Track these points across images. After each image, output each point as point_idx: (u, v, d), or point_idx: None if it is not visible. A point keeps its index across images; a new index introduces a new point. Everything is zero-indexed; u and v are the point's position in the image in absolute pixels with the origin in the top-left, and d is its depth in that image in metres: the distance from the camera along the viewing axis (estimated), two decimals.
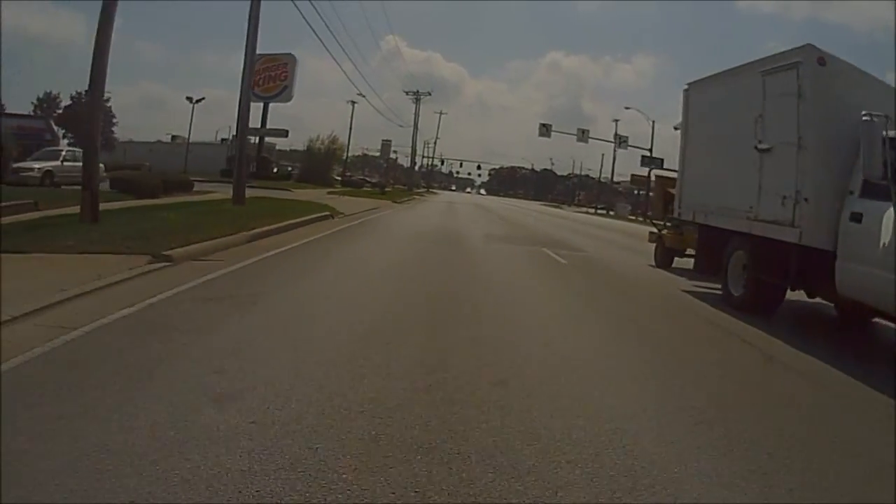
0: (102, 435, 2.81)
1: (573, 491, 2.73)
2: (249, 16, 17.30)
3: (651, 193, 13.40)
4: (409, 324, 5.78)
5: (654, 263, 13.24)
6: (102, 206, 11.05)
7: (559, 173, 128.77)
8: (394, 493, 2.55)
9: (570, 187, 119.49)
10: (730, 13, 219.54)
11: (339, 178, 52.02)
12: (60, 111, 67.20)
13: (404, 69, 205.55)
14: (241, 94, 18.33)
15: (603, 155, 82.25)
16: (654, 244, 13.65)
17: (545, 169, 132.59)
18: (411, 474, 2.72)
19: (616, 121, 63.40)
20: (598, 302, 8.43)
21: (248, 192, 17.76)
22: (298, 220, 14.02)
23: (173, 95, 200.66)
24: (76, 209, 10.67)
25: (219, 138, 73.68)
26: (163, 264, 7.36)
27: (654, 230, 13.87)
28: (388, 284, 7.90)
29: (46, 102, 70.30)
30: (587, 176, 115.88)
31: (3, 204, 11.50)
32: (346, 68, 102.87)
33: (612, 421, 3.60)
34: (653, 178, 12.53)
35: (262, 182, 33.00)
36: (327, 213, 17.33)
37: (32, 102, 70.09)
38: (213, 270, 7.39)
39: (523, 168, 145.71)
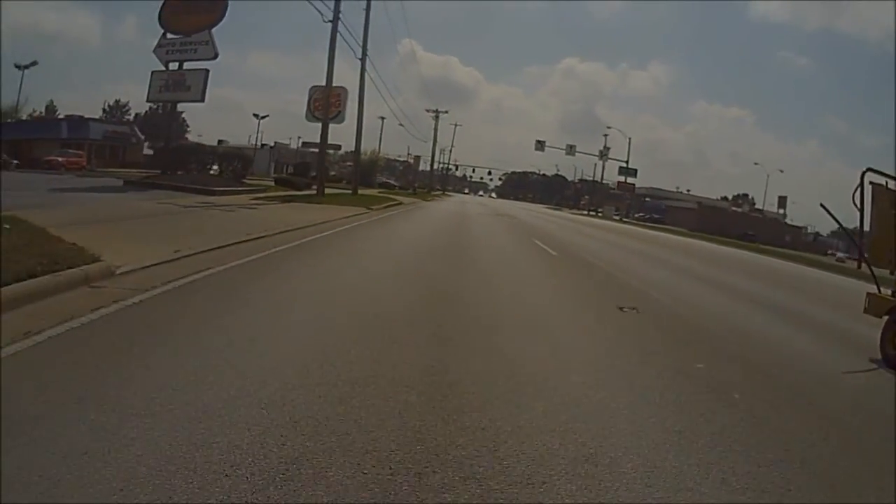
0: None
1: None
2: (361, 80, 33.46)
3: (869, 218, 7.52)
4: (451, 222, 22.33)
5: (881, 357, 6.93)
6: (290, 192, 27.08)
7: (571, 178, 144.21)
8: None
9: (575, 192, 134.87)
10: (742, 23, 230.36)
11: (380, 182, 68.45)
12: (130, 117, 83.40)
13: (421, 74, 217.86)
14: (356, 135, 34.61)
15: (595, 165, 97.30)
16: (885, 320, 7.21)
17: (556, 174, 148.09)
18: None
19: (605, 135, 78.63)
20: (513, 228, 24.42)
21: (331, 190, 33.60)
22: (390, 203, 30.37)
23: None
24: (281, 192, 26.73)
25: (254, 143, 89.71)
26: (372, 211, 23.41)
27: (880, 292, 7.59)
28: (443, 218, 24.49)
29: (117, 109, 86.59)
30: (596, 181, 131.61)
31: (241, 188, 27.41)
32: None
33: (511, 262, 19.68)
34: (867, 187, 7.20)
35: (329, 184, 48.90)
36: (397, 202, 33.42)
37: (103, 108, 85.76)
38: (385, 213, 23.64)
39: (534, 173, 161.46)
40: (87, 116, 61.51)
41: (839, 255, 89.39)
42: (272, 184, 33.56)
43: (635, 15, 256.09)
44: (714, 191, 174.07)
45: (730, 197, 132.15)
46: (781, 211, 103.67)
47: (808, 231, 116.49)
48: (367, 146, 73.85)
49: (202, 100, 28.93)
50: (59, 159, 40.75)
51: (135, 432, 2.95)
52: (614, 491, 2.92)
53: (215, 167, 29.21)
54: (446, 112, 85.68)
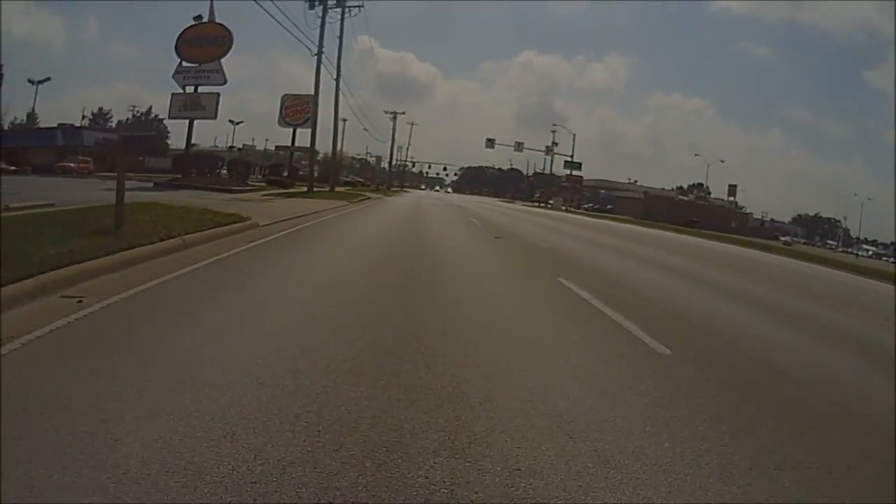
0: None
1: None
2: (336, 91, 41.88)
3: None
4: (413, 207, 31.17)
5: None
6: (285, 190, 35.60)
7: (526, 172, 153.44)
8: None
9: (528, 185, 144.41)
10: (703, 14, 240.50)
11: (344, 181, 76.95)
12: (112, 124, 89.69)
13: (378, 70, 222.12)
14: (332, 142, 43.11)
15: (544, 159, 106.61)
16: None
17: (511, 168, 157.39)
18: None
19: (553, 131, 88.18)
20: (459, 213, 33.27)
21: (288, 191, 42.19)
22: (363, 198, 38.95)
23: (151, 97, 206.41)
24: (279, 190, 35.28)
25: (221, 144, 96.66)
26: (351, 203, 32.08)
27: None
28: (406, 204, 33.29)
29: (100, 116, 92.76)
30: (553, 174, 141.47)
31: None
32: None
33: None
34: None
35: (301, 182, 57.21)
36: (367, 197, 42.04)
37: (87, 116, 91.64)
38: (363, 205, 32.41)
39: (490, 167, 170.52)
40: (77, 125, 68.33)
41: (786, 238, 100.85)
42: (264, 184, 41.78)
43: (593, 7, 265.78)
44: (674, 182, 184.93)
45: (685, 187, 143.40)
46: (731, 199, 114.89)
47: (758, 217, 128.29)
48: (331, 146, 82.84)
49: (215, 117, 37.24)
50: (72, 165, 48.18)
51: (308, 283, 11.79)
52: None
53: (224, 171, 37.41)
54: (403, 113, 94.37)
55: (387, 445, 3.30)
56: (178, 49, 37.82)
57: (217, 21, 37.74)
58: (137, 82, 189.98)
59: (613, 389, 4.66)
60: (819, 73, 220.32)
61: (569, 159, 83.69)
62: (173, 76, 37.73)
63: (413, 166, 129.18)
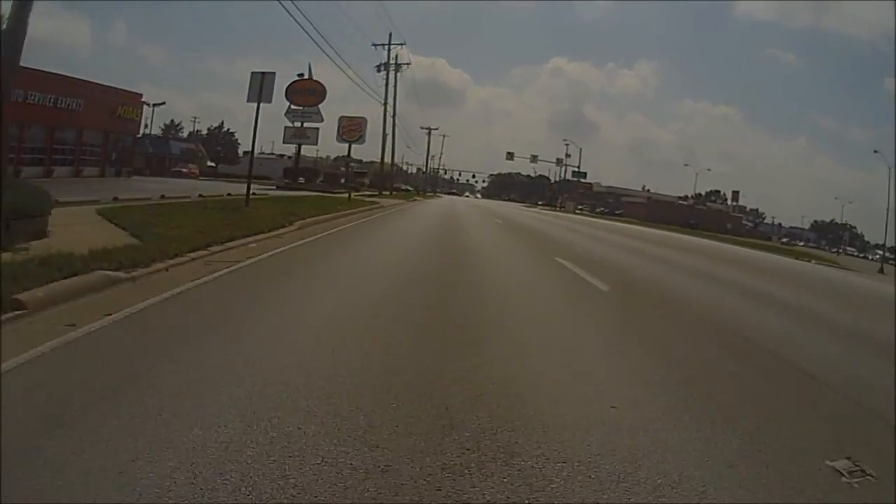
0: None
1: None
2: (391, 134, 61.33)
3: None
4: (450, 206, 49.88)
5: None
6: (363, 193, 54.98)
7: (552, 179, 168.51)
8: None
9: (552, 192, 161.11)
10: (728, 21, 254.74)
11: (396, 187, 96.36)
12: (184, 136, 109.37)
13: (411, 77, 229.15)
14: (391, 160, 62.45)
15: (563, 168, 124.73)
16: None
17: (539, 175, 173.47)
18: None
19: (566, 144, 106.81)
20: (483, 211, 52.20)
21: (372, 191, 61.18)
22: (413, 199, 58.38)
23: (178, 99, 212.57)
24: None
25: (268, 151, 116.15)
26: (409, 202, 51.19)
27: None
28: (445, 204, 52.24)
29: (172, 127, 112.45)
30: (579, 181, 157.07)
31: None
32: (348, 75, 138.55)
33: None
34: None
35: (365, 188, 76.46)
36: (415, 199, 61.16)
37: (160, 127, 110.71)
38: (417, 202, 51.52)
39: (519, 174, 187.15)
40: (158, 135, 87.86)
41: (784, 239, 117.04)
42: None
43: (622, 14, 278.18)
44: (700, 188, 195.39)
45: (703, 193, 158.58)
46: (735, 203, 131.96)
47: (769, 223, 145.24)
48: (376, 156, 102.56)
49: (316, 144, 56.66)
50: (184, 170, 66.19)
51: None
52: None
53: (320, 181, 56.88)
54: (437, 128, 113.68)
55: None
56: (288, 96, 57.01)
57: (314, 78, 56.96)
58: (167, 85, 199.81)
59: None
60: (843, 80, 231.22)
61: (576, 169, 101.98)
62: (285, 114, 56.83)
63: (445, 173, 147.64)
